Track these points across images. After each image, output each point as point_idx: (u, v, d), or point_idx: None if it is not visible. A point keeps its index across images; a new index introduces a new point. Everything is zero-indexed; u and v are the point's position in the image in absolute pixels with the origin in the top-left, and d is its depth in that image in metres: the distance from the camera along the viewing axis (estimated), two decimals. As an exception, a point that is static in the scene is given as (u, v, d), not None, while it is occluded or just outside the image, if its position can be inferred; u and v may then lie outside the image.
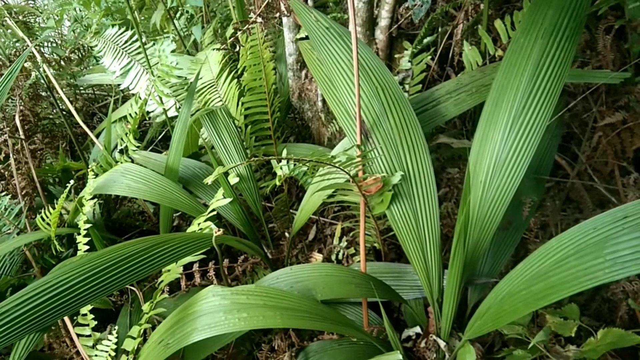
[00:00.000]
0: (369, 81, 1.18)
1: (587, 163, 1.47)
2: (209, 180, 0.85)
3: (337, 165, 0.97)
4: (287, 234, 1.67)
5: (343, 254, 1.43)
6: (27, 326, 0.85)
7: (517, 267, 0.94)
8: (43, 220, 1.40)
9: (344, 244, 1.44)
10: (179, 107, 1.50)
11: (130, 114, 1.49)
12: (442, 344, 1.13)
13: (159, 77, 1.43)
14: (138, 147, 1.51)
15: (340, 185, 1.10)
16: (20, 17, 2.62)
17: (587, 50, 1.49)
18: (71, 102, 2.29)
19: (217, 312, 0.96)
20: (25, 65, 2.05)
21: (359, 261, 1.23)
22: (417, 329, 1.24)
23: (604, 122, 1.41)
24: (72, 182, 1.41)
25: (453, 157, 1.59)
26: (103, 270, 0.92)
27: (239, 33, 1.33)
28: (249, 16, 1.31)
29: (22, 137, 1.83)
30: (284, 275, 1.14)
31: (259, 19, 1.24)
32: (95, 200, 1.63)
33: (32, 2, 2.82)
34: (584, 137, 1.50)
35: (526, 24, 1.06)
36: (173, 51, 1.44)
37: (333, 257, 1.45)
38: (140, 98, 1.47)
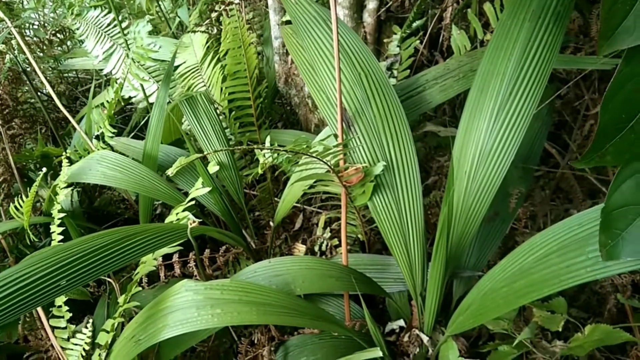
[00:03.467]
0: (352, 67, 1.13)
1: (578, 152, 1.43)
2: (170, 171, 0.81)
3: (314, 155, 0.93)
4: (271, 224, 1.63)
5: (326, 245, 1.40)
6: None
7: (500, 262, 0.90)
8: (17, 209, 1.36)
9: (327, 234, 1.40)
10: (160, 92, 1.45)
11: (106, 100, 1.44)
12: (425, 338, 1.10)
13: (134, 60, 1.37)
14: (114, 133, 1.46)
15: (320, 176, 1.06)
16: (3, -2, 2.54)
17: (580, 36, 1.44)
18: (53, 86, 2.23)
19: (189, 307, 0.92)
20: (2, 45, 1.98)
21: (342, 252, 1.20)
22: (401, 322, 1.21)
23: (596, 110, 1.36)
24: (44, 169, 1.36)
25: (441, 145, 1.55)
26: (74, 262, 0.88)
27: (217, 14, 1.28)
28: (228, -3, 1.25)
29: (0, 122, 1.78)
30: (262, 268, 1.11)
31: (237, 0, 1.18)
32: (72, 188, 1.58)
33: (16, -17, 2.73)
34: (576, 125, 1.46)
35: (513, 6, 1.01)
36: (150, 32, 1.38)
37: (316, 248, 1.42)
38: (117, 83, 1.42)
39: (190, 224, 1.04)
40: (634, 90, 0.56)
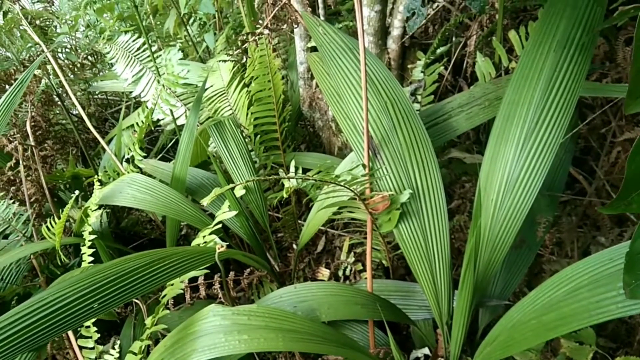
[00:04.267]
0: (378, 95, 1.15)
1: (605, 179, 1.42)
2: (205, 201, 0.83)
3: (342, 184, 0.94)
4: (295, 245, 1.64)
5: (350, 270, 1.40)
6: (23, 344, 0.83)
7: (529, 294, 0.90)
8: (48, 230, 1.39)
9: (351, 259, 1.40)
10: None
11: (137, 123, 1.48)
12: (450, 368, 1.10)
13: (164, 86, 1.42)
14: (144, 157, 1.50)
15: (346, 203, 1.07)
16: (38, 22, 2.64)
17: (606, 62, 1.43)
18: (83, 108, 2.30)
19: (217, 333, 0.93)
20: (38, 71, 2.06)
21: (367, 278, 1.20)
22: (426, 351, 1.21)
23: (623, 137, 1.35)
24: (77, 192, 1.40)
25: (466, 172, 1.55)
26: (104, 286, 0.90)
27: (246, 44, 1.31)
28: (257, 27, 1.29)
29: (33, 143, 1.83)
30: (287, 294, 1.11)
31: (266, 31, 1.21)
32: (102, 209, 1.62)
33: (50, 7, 2.84)
34: (602, 151, 1.45)
35: (538, 36, 1.02)
36: (181, 59, 1.42)
37: (340, 273, 1.42)
38: (147, 107, 1.46)
39: (219, 249, 1.06)
40: (658, 145, 0.59)
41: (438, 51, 1.52)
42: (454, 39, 1.63)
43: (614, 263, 0.77)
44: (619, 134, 1.40)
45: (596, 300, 0.75)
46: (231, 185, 0.86)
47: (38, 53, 2.32)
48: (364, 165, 1.04)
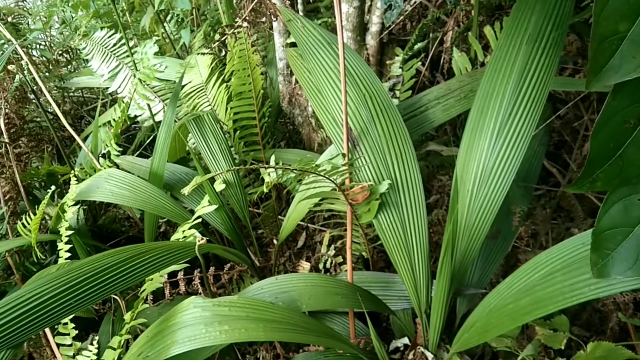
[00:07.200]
0: (357, 89, 1.16)
1: (577, 171, 1.46)
2: (186, 190, 0.83)
3: (322, 174, 0.95)
4: (275, 241, 1.65)
5: (331, 263, 1.41)
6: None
7: (505, 280, 0.92)
8: (24, 226, 1.37)
9: (331, 252, 1.41)
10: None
11: (113, 119, 1.47)
12: (429, 356, 1.11)
13: (140, 80, 1.40)
14: (120, 152, 1.48)
15: (326, 194, 1.08)
16: (9, 19, 2.58)
17: (578, 58, 1.47)
18: (59, 105, 2.26)
19: (197, 324, 0.93)
20: (12, 66, 2.02)
21: (347, 270, 1.21)
22: (405, 340, 1.22)
23: (594, 131, 1.39)
24: (53, 187, 1.37)
25: (443, 165, 1.57)
26: (82, 282, 0.89)
27: (224, 37, 1.31)
28: (236, 21, 1.29)
29: (7, 140, 1.80)
30: (268, 285, 1.12)
31: (245, 24, 1.21)
32: (79, 206, 1.60)
33: (22, 4, 2.78)
34: (575, 145, 1.48)
35: (510, 30, 1.05)
36: (156, 53, 1.42)
37: (321, 266, 1.43)
38: (123, 102, 1.45)
39: (199, 242, 1.05)
40: (621, 122, 0.61)
41: (415, 47, 1.55)
42: (431, 35, 1.65)
43: (586, 247, 0.78)
44: (590, 127, 1.44)
45: (570, 284, 0.77)
46: (212, 174, 0.86)
47: (8, 49, 2.27)
48: (343, 155, 1.05)
